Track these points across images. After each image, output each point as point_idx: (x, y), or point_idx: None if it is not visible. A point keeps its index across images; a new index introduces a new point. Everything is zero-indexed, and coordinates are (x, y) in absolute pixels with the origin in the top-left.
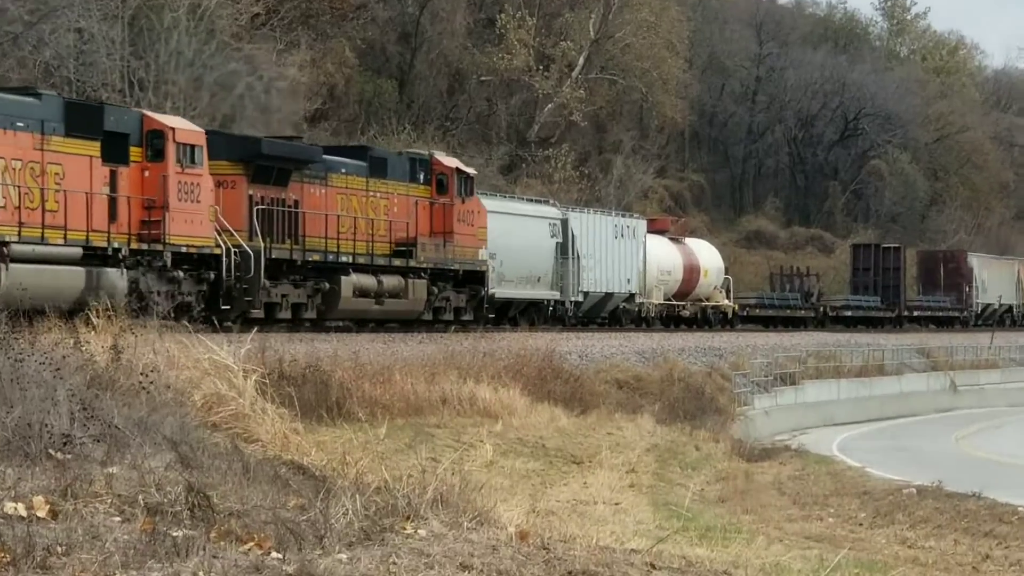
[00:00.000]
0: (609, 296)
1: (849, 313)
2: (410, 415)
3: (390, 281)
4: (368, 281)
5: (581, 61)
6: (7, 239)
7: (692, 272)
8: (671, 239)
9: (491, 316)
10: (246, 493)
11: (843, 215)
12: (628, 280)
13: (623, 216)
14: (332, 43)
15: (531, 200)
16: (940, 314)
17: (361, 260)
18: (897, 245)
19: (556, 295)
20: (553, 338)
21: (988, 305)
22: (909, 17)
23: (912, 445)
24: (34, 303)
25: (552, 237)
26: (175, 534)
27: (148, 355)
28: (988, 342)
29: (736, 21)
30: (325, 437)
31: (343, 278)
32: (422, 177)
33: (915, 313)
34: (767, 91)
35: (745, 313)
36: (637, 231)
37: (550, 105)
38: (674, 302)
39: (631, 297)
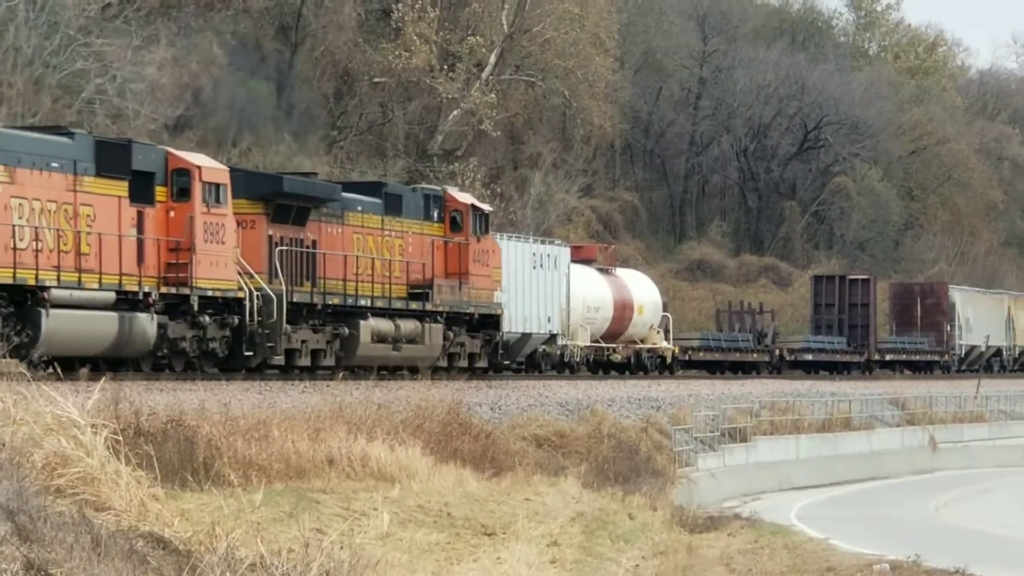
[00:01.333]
0: (526, 337)
1: (810, 357)
2: (291, 478)
3: (407, 325)
4: (386, 326)
5: (492, 60)
6: (47, 284)
7: (624, 309)
8: (599, 270)
9: (507, 363)
10: (96, 571)
11: (802, 241)
12: (548, 318)
13: (542, 243)
14: (197, 38)
15: None
16: (917, 358)
17: (379, 303)
18: (866, 277)
19: None
20: (460, 387)
21: (973, 347)
22: (879, 8)
23: (884, 513)
24: (71, 351)
25: None
26: None
27: None
28: (973, 391)
29: (676, 13)
30: (190, 504)
31: (362, 322)
32: (436, 214)
33: (887, 357)
34: (712, 95)
35: (687, 357)
36: (559, 260)
37: (456, 112)
38: (603, 344)
39: (552, 338)
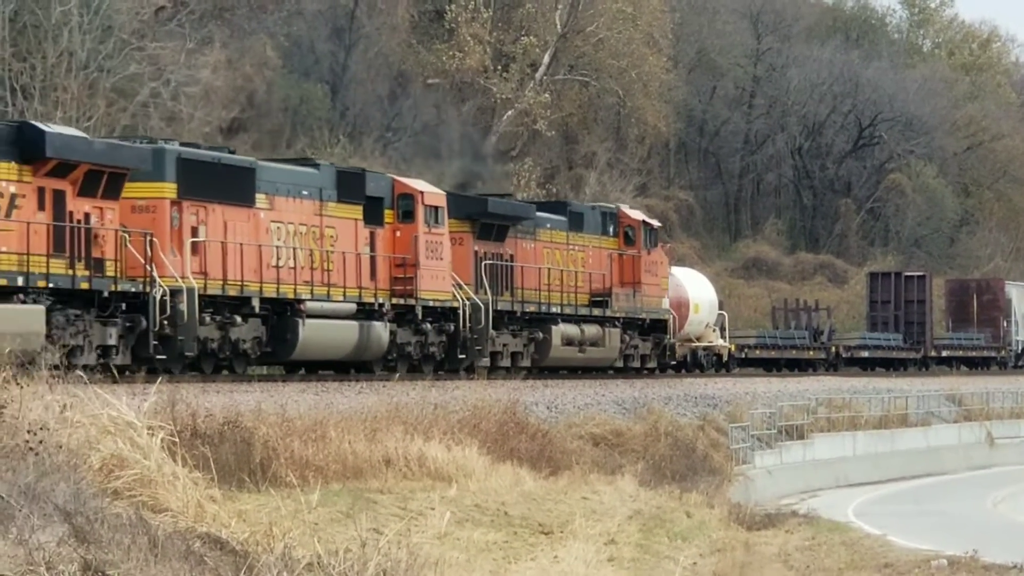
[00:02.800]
0: None
1: (866, 354)
2: (348, 478)
3: (590, 330)
4: (573, 330)
5: (546, 60)
6: (303, 297)
7: (680, 307)
8: None
9: (673, 364)
10: (153, 572)
11: (858, 239)
12: None
13: None
14: (251, 40)
15: None
16: (973, 354)
17: (566, 310)
18: (922, 273)
19: None
20: (516, 387)
21: None
22: (933, 5)
23: (942, 509)
24: (320, 355)
25: None
26: None
27: (36, 410)
28: None
29: (729, 12)
30: (247, 505)
31: (553, 327)
32: (612, 230)
33: (944, 353)
34: (766, 93)
35: (743, 355)
36: None
37: (510, 112)
38: None
39: None
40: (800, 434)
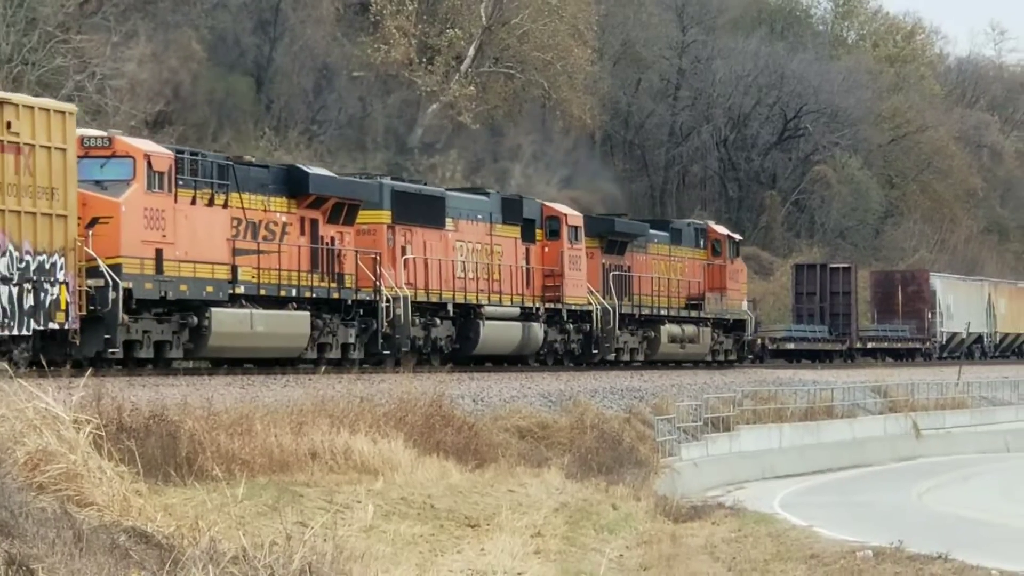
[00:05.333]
0: None
1: (791, 346)
2: (274, 472)
3: (688, 329)
4: (676, 330)
5: (471, 52)
6: (482, 303)
7: None
8: None
9: (751, 356)
10: (78, 566)
11: (783, 230)
12: None
13: None
14: (176, 33)
15: None
16: (898, 345)
17: (671, 312)
18: (847, 265)
19: None
20: (442, 379)
21: (954, 334)
22: None
23: (867, 500)
24: (495, 351)
25: None
26: None
27: None
28: (955, 378)
29: (654, 3)
30: (173, 499)
31: (661, 327)
32: (702, 243)
33: (869, 345)
34: (692, 85)
35: None
36: None
37: (435, 105)
38: None
39: None
40: (726, 426)
